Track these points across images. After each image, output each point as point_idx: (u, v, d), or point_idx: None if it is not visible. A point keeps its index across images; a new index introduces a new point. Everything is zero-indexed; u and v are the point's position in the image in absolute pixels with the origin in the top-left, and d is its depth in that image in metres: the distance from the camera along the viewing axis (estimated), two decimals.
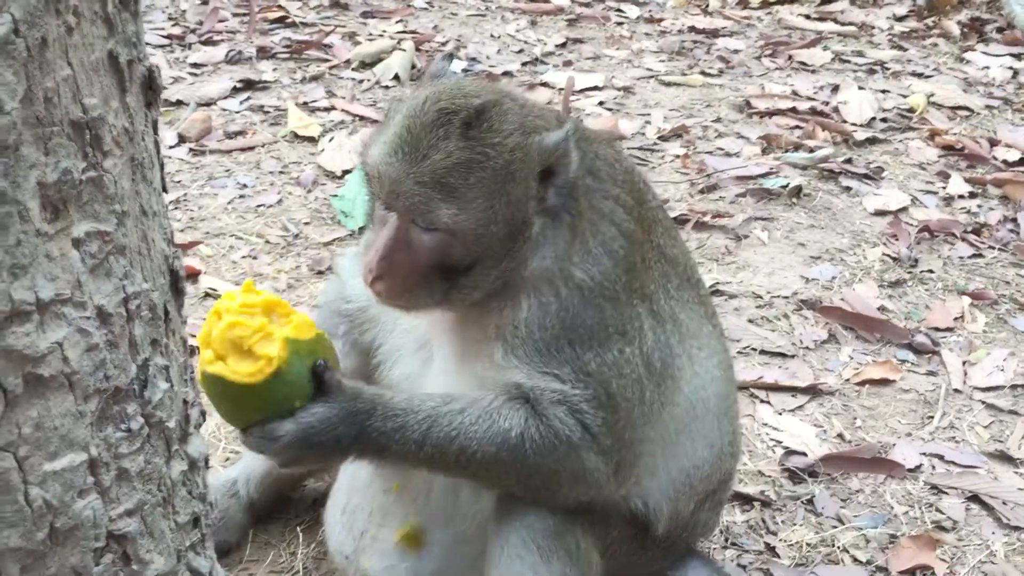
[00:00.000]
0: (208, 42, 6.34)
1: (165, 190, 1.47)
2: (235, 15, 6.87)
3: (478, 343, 2.24)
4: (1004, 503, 3.14)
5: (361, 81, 5.93)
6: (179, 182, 4.67)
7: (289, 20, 6.81)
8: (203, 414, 1.57)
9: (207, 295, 3.85)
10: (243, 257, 4.13)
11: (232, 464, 2.97)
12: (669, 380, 2.36)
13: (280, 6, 7.03)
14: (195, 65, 5.98)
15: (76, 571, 1.29)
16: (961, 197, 5.08)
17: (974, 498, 3.18)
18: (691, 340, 2.46)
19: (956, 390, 3.68)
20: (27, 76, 1.12)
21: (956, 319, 4.08)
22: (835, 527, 3.03)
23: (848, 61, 6.92)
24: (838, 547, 2.95)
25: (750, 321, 3.97)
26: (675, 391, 2.39)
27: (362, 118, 5.42)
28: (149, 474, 1.38)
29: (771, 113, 5.91)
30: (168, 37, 6.34)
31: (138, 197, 1.33)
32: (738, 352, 3.76)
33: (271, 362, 1.95)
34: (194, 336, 3.46)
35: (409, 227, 2.13)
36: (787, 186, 4.94)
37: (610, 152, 2.41)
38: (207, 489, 1.56)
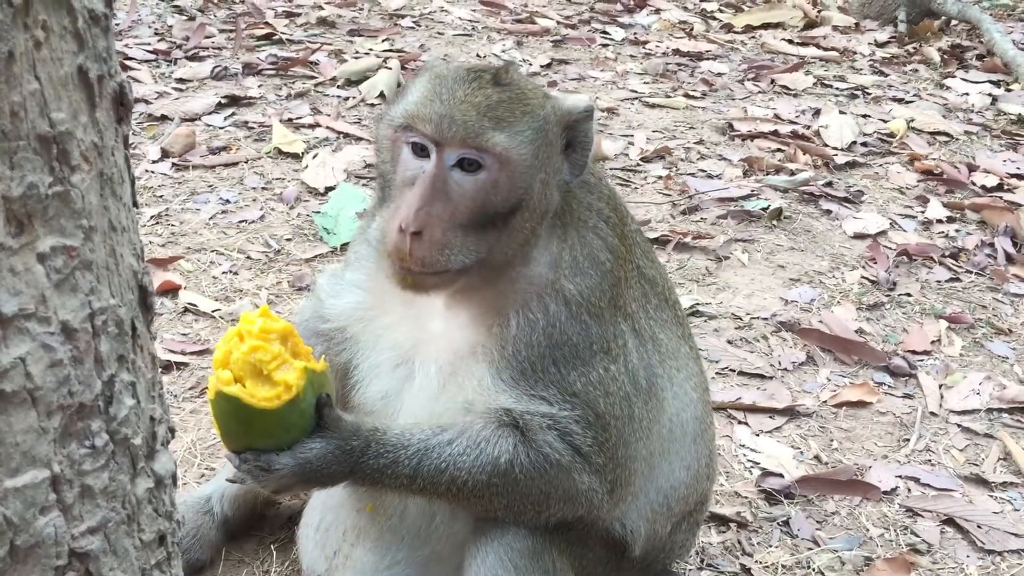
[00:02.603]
0: (194, 58, 6.34)
1: (136, 205, 1.46)
2: (222, 31, 6.88)
3: (465, 362, 2.23)
4: (979, 527, 3.15)
5: (347, 99, 5.94)
6: (161, 197, 4.66)
7: (276, 37, 6.82)
8: (172, 431, 1.56)
9: (186, 310, 3.83)
10: (224, 273, 4.12)
11: (207, 481, 2.95)
12: (654, 399, 2.37)
13: (267, 23, 7.04)
14: (180, 80, 5.98)
15: None
16: (939, 221, 5.13)
17: (949, 521, 3.19)
18: (670, 361, 2.47)
19: (932, 413, 3.70)
20: None
21: (933, 342, 4.10)
22: (811, 549, 3.03)
23: (830, 86, 6.99)
24: (813, 569, 2.95)
25: (729, 342, 3.98)
26: (660, 410, 2.40)
27: (347, 135, 5.43)
28: (113, 491, 1.37)
29: (753, 136, 5.96)
30: (154, 52, 6.34)
31: (107, 212, 1.33)
32: (717, 373, 3.78)
33: (290, 389, 1.98)
34: (174, 353, 3.45)
35: (447, 175, 2.08)
36: (768, 208, 4.98)
37: (595, 169, 2.43)
38: (174, 507, 1.55)
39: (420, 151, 2.13)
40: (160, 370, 1.59)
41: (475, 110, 2.08)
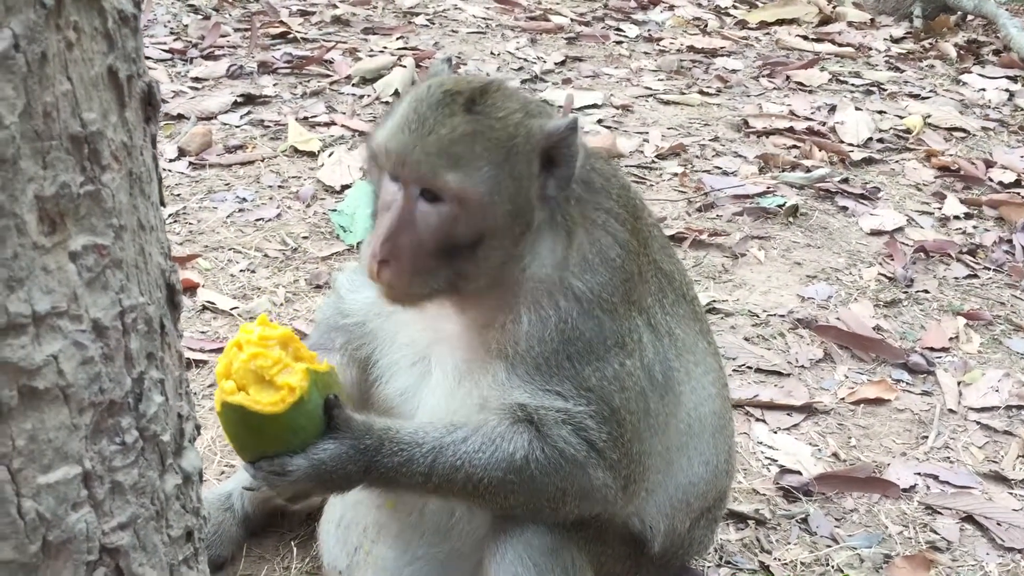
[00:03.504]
0: (210, 57, 6.36)
1: (163, 204, 1.48)
2: (237, 30, 6.90)
3: (480, 359, 2.24)
4: (998, 524, 3.14)
5: (361, 97, 5.96)
6: (179, 195, 4.68)
7: (291, 36, 6.84)
8: (197, 428, 1.57)
9: (205, 308, 3.85)
10: (241, 271, 4.14)
11: (227, 478, 2.97)
12: (671, 394, 2.37)
13: (282, 22, 7.06)
14: (196, 79, 6.00)
15: None
16: (956, 218, 5.10)
17: (968, 519, 3.18)
18: (687, 356, 2.47)
19: (951, 410, 3.69)
20: (26, 91, 1.13)
21: (951, 339, 4.09)
22: (829, 546, 3.03)
23: (845, 82, 6.96)
24: (832, 566, 2.95)
25: (746, 339, 3.98)
26: (677, 405, 2.40)
27: (362, 133, 5.44)
28: (143, 488, 1.38)
29: (768, 133, 5.94)
30: (170, 51, 6.37)
31: (136, 211, 1.34)
32: (734, 370, 3.77)
33: (293, 391, 1.99)
34: (193, 350, 3.47)
35: (414, 206, 2.11)
36: (784, 205, 4.96)
37: (606, 167, 2.43)
38: (201, 503, 1.56)
39: (395, 178, 2.16)
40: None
41: (435, 147, 2.07)
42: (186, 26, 6.88)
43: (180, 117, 5.44)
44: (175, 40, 6.58)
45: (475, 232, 2.11)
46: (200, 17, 7.10)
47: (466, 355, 2.27)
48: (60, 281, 1.22)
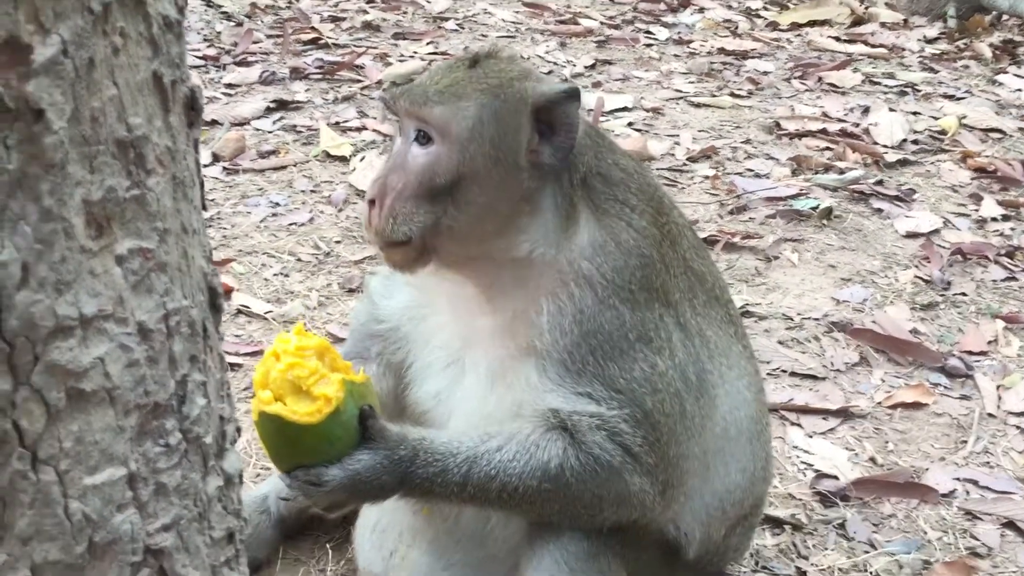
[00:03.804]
0: (242, 63, 6.42)
1: (204, 208, 1.49)
2: (269, 36, 6.96)
3: (511, 358, 2.24)
4: None
5: None
6: (213, 200, 4.73)
7: (322, 41, 6.89)
8: (238, 430, 1.58)
9: (239, 312, 3.88)
10: (275, 275, 4.17)
11: (263, 480, 2.98)
12: (706, 396, 2.34)
13: (313, 28, 7.11)
14: (229, 85, 6.06)
15: None
16: (994, 220, 5.03)
17: (1009, 524, 3.13)
18: (720, 359, 2.43)
19: (990, 415, 3.63)
20: (74, 96, 1.15)
21: (990, 343, 4.03)
22: (867, 552, 2.99)
23: (878, 83, 6.89)
24: (871, 572, 2.91)
25: (780, 343, 3.94)
26: (712, 408, 2.37)
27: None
28: (186, 489, 1.39)
29: (801, 135, 5.90)
30: (203, 58, 6.43)
31: (179, 215, 1.35)
32: (768, 374, 3.74)
33: (330, 402, 2.00)
34: (228, 354, 3.50)
35: (408, 149, 2.19)
36: (817, 207, 4.92)
37: (630, 163, 2.41)
38: (241, 505, 1.57)
39: (396, 115, 2.27)
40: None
41: (432, 88, 2.19)
42: (219, 33, 6.95)
43: (214, 123, 5.49)
44: (208, 47, 6.65)
45: (455, 172, 2.15)
46: (233, 24, 7.17)
47: (498, 354, 2.27)
48: (106, 284, 1.23)
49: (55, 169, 1.15)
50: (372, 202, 2.20)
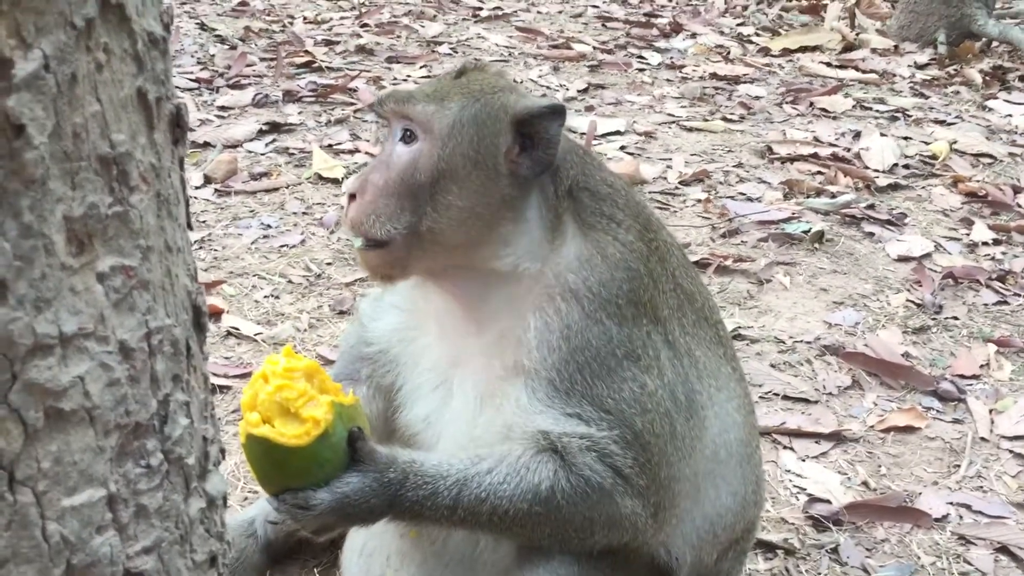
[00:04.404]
0: (235, 86, 6.43)
1: (190, 227, 1.47)
2: (262, 60, 6.98)
3: (500, 379, 2.22)
4: None
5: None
6: (204, 222, 4.71)
7: (315, 65, 6.91)
8: (222, 452, 1.56)
9: (229, 334, 3.86)
10: (266, 297, 4.15)
11: (250, 504, 2.95)
12: (695, 417, 2.32)
13: (307, 51, 7.14)
14: (222, 108, 6.07)
15: None
16: (985, 244, 5.05)
17: (1003, 549, 3.11)
18: (709, 380, 2.41)
19: (983, 439, 3.62)
20: (56, 111, 1.13)
21: (982, 367, 4.02)
22: None
23: (869, 108, 6.93)
24: None
25: (772, 366, 3.93)
26: (702, 430, 2.35)
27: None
28: (167, 511, 1.37)
29: (793, 159, 5.92)
30: (196, 80, 6.44)
31: (163, 233, 1.34)
32: (760, 397, 3.73)
33: (318, 424, 1.97)
34: (217, 376, 3.47)
35: (392, 149, 2.23)
36: (809, 231, 4.93)
37: (618, 181, 2.41)
38: (225, 528, 1.55)
39: (384, 117, 2.30)
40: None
41: (418, 90, 2.25)
42: (212, 56, 6.97)
43: (206, 145, 5.49)
44: (202, 69, 6.66)
45: (435, 170, 2.17)
46: (226, 47, 7.19)
47: (487, 375, 2.25)
48: (87, 302, 1.21)
49: (36, 185, 1.13)
50: (352, 196, 2.22)
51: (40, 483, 1.20)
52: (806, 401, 3.75)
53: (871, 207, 5.32)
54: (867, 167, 5.87)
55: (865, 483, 3.36)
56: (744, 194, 5.44)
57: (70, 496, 1.23)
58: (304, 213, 4.88)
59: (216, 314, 3.94)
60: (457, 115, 2.19)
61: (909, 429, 3.63)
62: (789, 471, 3.39)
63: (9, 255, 1.12)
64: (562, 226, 2.24)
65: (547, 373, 2.16)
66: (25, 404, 1.16)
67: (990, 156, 6.19)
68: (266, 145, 5.60)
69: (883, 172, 5.81)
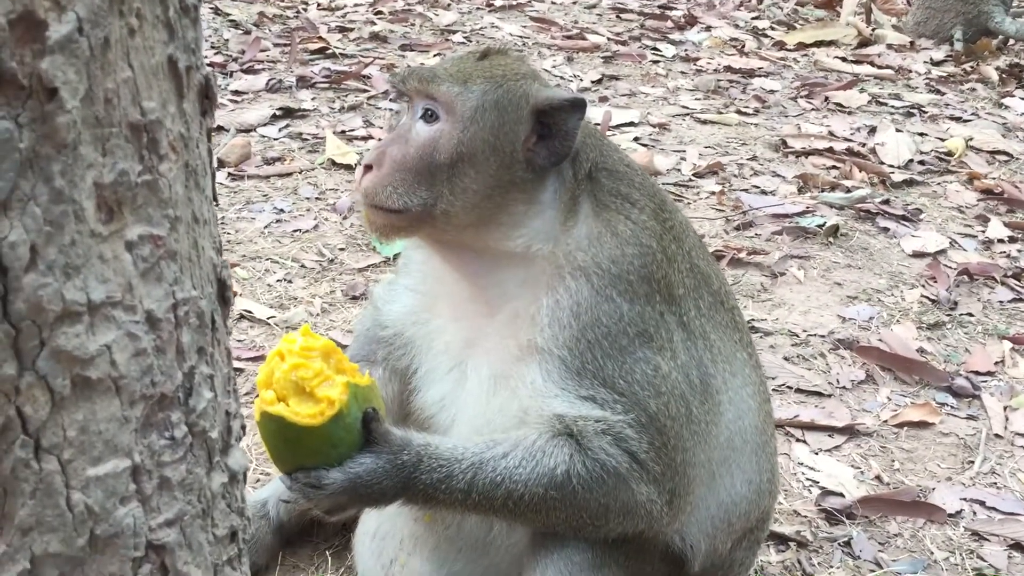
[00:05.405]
0: (249, 71, 6.42)
1: (215, 200, 1.46)
2: (276, 45, 6.96)
3: (514, 360, 2.21)
4: None
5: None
6: (217, 206, 4.70)
7: (329, 51, 6.89)
8: (243, 427, 1.55)
9: (242, 317, 3.85)
10: (278, 281, 4.14)
11: (263, 485, 2.95)
12: (710, 400, 2.30)
13: (321, 37, 7.12)
14: (236, 93, 6.05)
15: None
16: (1001, 241, 5.02)
17: (1016, 546, 3.10)
18: (724, 364, 2.38)
19: (997, 435, 3.60)
20: (89, 76, 1.12)
21: (997, 363, 4.00)
22: (873, 571, 2.95)
23: (885, 104, 6.89)
24: None
25: (786, 359, 3.91)
26: (717, 414, 2.33)
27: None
28: (190, 484, 1.36)
29: (807, 153, 5.89)
30: (211, 65, 6.42)
31: (191, 204, 1.33)
32: (773, 390, 3.71)
33: (333, 404, 1.96)
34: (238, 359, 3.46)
35: (413, 125, 2.22)
36: (824, 225, 4.90)
37: (635, 163, 2.42)
38: (245, 504, 1.54)
39: (405, 96, 2.30)
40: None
41: (442, 70, 2.24)
42: (227, 41, 6.95)
43: (220, 129, 5.47)
44: (216, 54, 6.65)
45: (454, 152, 2.17)
46: (240, 32, 7.18)
47: (500, 356, 2.24)
48: (116, 270, 1.20)
49: (67, 150, 1.12)
50: (368, 167, 2.21)
51: (66, 451, 1.19)
52: (819, 394, 3.73)
53: (886, 202, 5.29)
54: (882, 162, 5.83)
55: (878, 477, 3.35)
56: (758, 187, 5.42)
57: (95, 466, 1.22)
58: (317, 198, 4.87)
59: None
60: (480, 99, 2.19)
61: (923, 424, 3.61)
62: (802, 464, 3.38)
63: (40, 220, 1.11)
64: (577, 207, 2.24)
65: (559, 351, 2.15)
66: (53, 371, 1.15)
67: (1006, 154, 6.15)
68: (279, 130, 5.59)
69: (898, 168, 5.78)
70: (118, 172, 1.18)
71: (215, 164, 1.41)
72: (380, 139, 5.43)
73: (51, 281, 1.13)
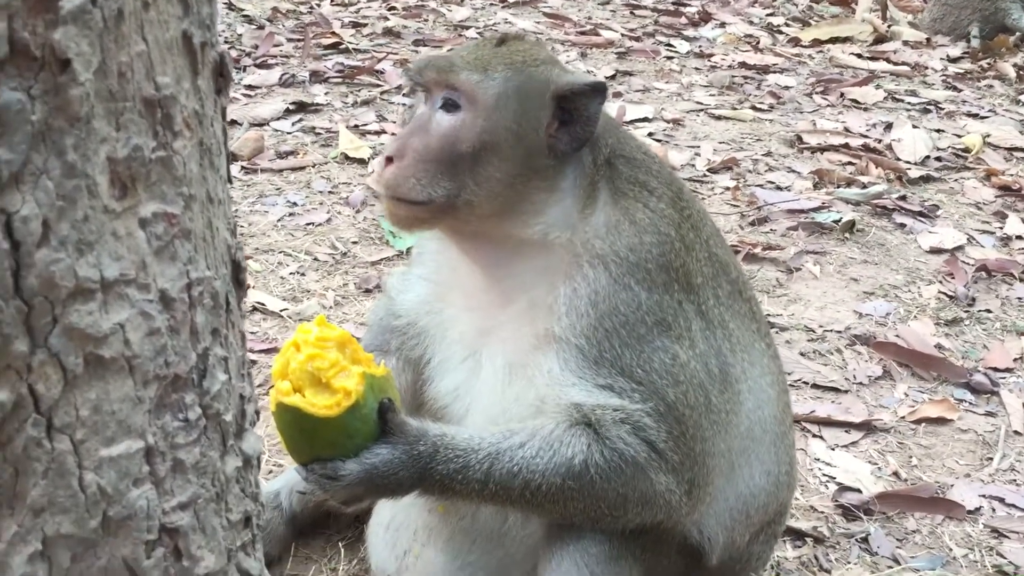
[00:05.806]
0: (263, 65, 6.41)
1: (230, 180, 1.45)
2: (290, 40, 6.96)
3: (531, 349, 2.18)
4: None
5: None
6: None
7: (342, 46, 6.88)
8: (258, 412, 1.53)
9: (255, 309, 3.84)
10: (291, 273, 4.13)
11: (275, 476, 2.93)
12: (730, 390, 2.27)
13: (334, 32, 7.11)
14: (249, 87, 6.05)
15: (127, 563, 1.25)
16: (1019, 238, 4.96)
17: None
18: (743, 354, 2.35)
19: (1016, 432, 3.56)
20: (102, 48, 1.11)
21: (1015, 360, 3.95)
22: (891, 567, 2.91)
23: (901, 100, 6.84)
24: None
25: (802, 354, 3.88)
26: (736, 404, 2.30)
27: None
28: (204, 467, 1.34)
29: (822, 149, 5.84)
30: None
31: (205, 182, 1.31)
32: (790, 385, 3.67)
33: (349, 395, 1.94)
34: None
35: (433, 114, 2.18)
36: (839, 221, 4.86)
37: (652, 151, 2.40)
38: (259, 489, 1.52)
39: (424, 87, 2.26)
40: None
41: (459, 58, 2.20)
42: (240, 35, 6.95)
43: (233, 123, 5.46)
44: (229, 49, 6.64)
45: (477, 141, 2.14)
46: (254, 27, 7.18)
47: (516, 345, 2.22)
48: (129, 248, 1.18)
49: (80, 123, 1.10)
50: (389, 159, 2.18)
51: (78, 431, 1.18)
52: (836, 390, 3.70)
53: (903, 198, 5.24)
54: (899, 159, 5.78)
55: (896, 473, 3.31)
56: (773, 183, 5.37)
57: (108, 446, 1.21)
58: (330, 192, 4.85)
59: None
60: (502, 86, 2.16)
61: (941, 421, 3.57)
62: (819, 459, 3.34)
63: (52, 194, 1.09)
64: (595, 194, 2.22)
65: (576, 340, 2.13)
66: (65, 349, 1.14)
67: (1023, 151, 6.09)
68: (292, 124, 5.58)
69: (915, 164, 5.72)
70: (132, 147, 1.16)
71: (229, 145, 1.39)
72: (394, 133, 5.43)
73: (64, 257, 1.11)
